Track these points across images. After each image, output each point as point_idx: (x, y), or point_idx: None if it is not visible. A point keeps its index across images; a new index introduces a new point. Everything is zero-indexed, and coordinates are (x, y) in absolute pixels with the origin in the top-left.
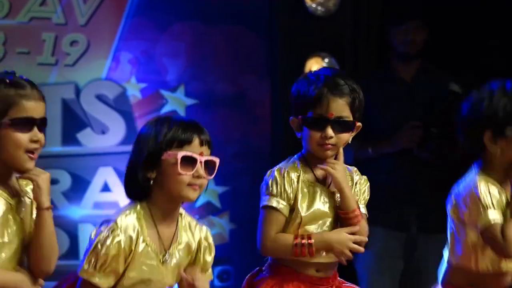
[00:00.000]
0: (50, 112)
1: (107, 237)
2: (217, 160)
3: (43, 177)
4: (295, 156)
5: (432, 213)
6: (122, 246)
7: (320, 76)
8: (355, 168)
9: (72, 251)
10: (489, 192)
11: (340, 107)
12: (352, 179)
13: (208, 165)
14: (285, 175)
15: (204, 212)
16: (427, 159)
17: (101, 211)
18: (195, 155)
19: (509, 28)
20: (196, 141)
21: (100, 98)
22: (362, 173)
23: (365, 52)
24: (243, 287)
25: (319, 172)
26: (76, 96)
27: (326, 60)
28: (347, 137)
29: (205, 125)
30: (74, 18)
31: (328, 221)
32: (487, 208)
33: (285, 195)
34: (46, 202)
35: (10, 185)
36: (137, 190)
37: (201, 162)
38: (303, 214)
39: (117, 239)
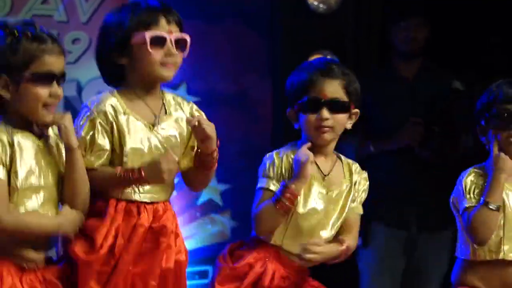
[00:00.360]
0: None
1: (84, 121)
2: (187, 37)
3: (67, 118)
4: (297, 142)
5: (432, 213)
6: (97, 123)
7: (312, 63)
8: (357, 165)
9: None
10: (475, 182)
11: (334, 89)
12: (351, 179)
13: (180, 43)
14: (284, 158)
15: (205, 210)
16: (428, 158)
17: None
18: (164, 33)
19: (511, 26)
20: (162, 20)
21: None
22: (363, 167)
23: (366, 50)
24: (223, 253)
25: (320, 162)
26: (78, 94)
27: (328, 57)
28: (343, 119)
29: None
30: (76, 15)
31: (319, 217)
32: (466, 195)
33: (282, 178)
34: (75, 142)
35: (34, 129)
36: (112, 77)
37: (171, 40)
38: (298, 210)
39: (91, 117)
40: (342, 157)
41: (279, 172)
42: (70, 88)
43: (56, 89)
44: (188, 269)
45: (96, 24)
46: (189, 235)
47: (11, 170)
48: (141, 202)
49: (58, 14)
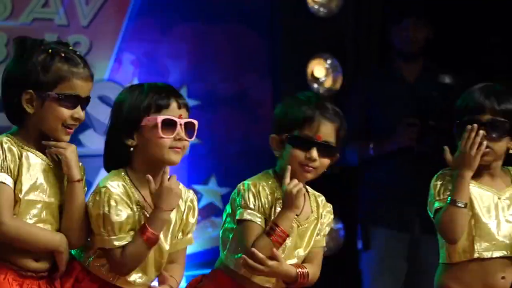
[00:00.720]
0: None
1: (109, 203)
2: (196, 122)
3: (70, 149)
4: (268, 172)
5: None
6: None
7: (311, 98)
8: (322, 197)
9: None
10: (444, 184)
11: (329, 132)
12: (318, 212)
13: (188, 128)
14: (260, 189)
15: (206, 213)
16: (427, 154)
17: None
18: (175, 118)
19: (511, 26)
20: (173, 104)
21: (103, 99)
22: (364, 172)
23: (366, 52)
24: None
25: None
26: None
27: (328, 61)
28: (328, 163)
29: (207, 125)
30: (76, 19)
31: (286, 248)
32: (436, 197)
33: (263, 209)
34: (77, 175)
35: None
36: (117, 159)
37: (181, 124)
38: None
39: (120, 206)
40: (309, 188)
41: (259, 202)
42: None
43: (79, 112)
44: (189, 273)
45: (97, 27)
46: None
47: (16, 181)
48: None
49: (58, 18)
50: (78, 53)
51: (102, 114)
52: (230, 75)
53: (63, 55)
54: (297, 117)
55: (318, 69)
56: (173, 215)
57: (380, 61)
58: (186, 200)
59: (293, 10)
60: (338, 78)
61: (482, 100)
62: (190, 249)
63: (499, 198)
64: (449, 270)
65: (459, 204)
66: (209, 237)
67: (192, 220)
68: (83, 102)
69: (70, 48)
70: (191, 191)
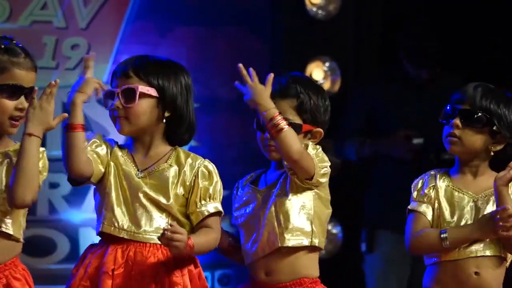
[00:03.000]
0: None
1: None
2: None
3: (36, 104)
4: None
5: None
6: (103, 139)
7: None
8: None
9: (72, 255)
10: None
11: (283, 109)
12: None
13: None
14: (235, 190)
15: None
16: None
17: None
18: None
19: (511, 26)
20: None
21: (101, 102)
22: (370, 175)
23: (365, 56)
24: None
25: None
26: None
27: (327, 63)
28: None
29: (206, 129)
30: (75, 21)
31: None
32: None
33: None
34: (30, 128)
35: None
36: None
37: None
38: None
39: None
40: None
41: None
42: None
43: (23, 103)
44: None
45: (95, 29)
46: None
47: None
48: None
49: (57, 20)
50: (20, 45)
51: (100, 117)
52: (230, 79)
53: (2, 46)
54: None
55: (317, 71)
56: (172, 172)
57: (379, 65)
58: (198, 168)
59: (291, 12)
60: (337, 80)
61: (465, 90)
62: None
63: (474, 201)
64: (428, 271)
65: (446, 243)
66: None
67: (209, 184)
68: (27, 92)
69: (13, 41)
70: (205, 160)
